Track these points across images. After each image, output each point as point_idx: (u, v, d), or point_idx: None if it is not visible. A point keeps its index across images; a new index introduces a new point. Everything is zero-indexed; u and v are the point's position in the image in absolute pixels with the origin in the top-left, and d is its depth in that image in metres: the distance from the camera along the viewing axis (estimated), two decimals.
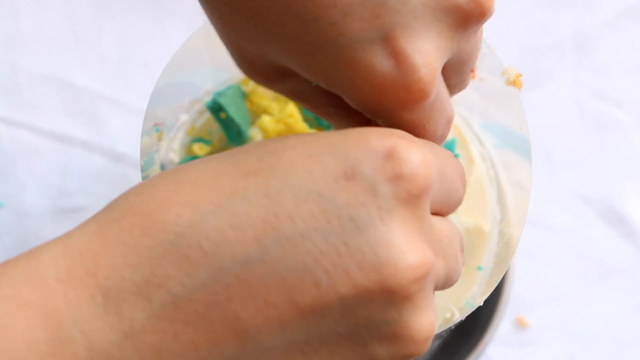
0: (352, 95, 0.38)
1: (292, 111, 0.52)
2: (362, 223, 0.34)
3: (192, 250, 0.34)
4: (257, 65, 0.39)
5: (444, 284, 0.37)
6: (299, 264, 0.34)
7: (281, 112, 0.53)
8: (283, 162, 0.35)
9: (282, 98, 0.54)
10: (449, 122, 0.40)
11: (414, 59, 0.36)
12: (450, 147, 0.52)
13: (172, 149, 0.52)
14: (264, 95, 0.54)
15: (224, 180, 0.35)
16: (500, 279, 0.50)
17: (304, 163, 0.35)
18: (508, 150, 0.52)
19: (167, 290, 0.34)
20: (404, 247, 0.34)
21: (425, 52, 0.37)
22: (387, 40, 0.36)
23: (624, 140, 0.71)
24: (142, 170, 0.51)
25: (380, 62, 0.36)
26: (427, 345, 0.36)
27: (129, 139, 0.70)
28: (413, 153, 0.35)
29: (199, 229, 0.34)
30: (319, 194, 0.34)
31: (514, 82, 0.50)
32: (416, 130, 0.38)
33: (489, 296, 0.49)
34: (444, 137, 0.40)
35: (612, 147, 0.71)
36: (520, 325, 0.68)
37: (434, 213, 0.37)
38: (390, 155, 0.35)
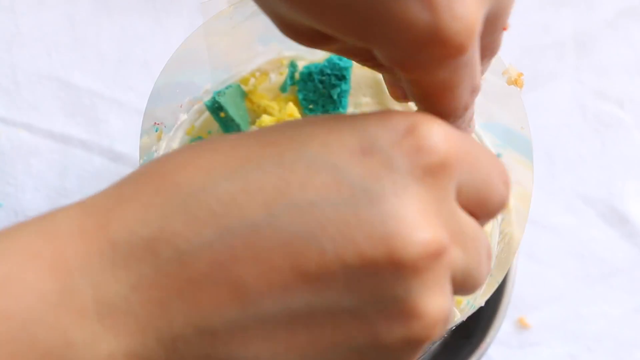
0: (386, 51, 0.36)
1: (292, 111, 0.52)
2: (375, 195, 0.34)
3: (202, 210, 0.34)
4: (299, 31, 0.38)
5: (463, 280, 0.36)
6: (306, 231, 0.34)
7: (281, 112, 0.53)
8: (302, 135, 0.35)
9: (282, 98, 0.54)
10: (474, 91, 0.39)
11: (453, 10, 0.35)
12: None
13: (171, 149, 0.52)
14: (264, 95, 0.54)
15: (242, 149, 0.35)
16: (501, 279, 0.50)
17: (322, 137, 0.35)
18: (509, 150, 0.52)
19: (173, 246, 0.34)
20: (416, 222, 0.34)
21: (464, 1, 0.35)
22: None
23: (626, 140, 0.71)
24: None
25: (416, 13, 0.35)
26: (438, 331, 0.35)
27: (128, 139, 0.70)
28: (434, 128, 0.35)
29: (210, 191, 0.35)
30: (334, 166, 0.34)
31: (515, 82, 0.50)
32: (444, 93, 0.37)
33: (490, 297, 0.49)
34: (466, 107, 0.39)
35: (614, 147, 0.71)
36: (521, 325, 0.68)
37: (468, 212, 0.36)
38: (410, 131, 0.35)
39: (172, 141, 0.52)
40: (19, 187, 0.69)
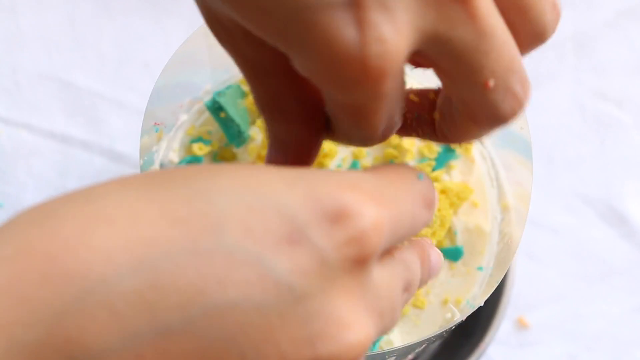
0: (303, 61, 0.34)
1: None
2: (301, 293, 0.31)
3: (102, 311, 0.29)
4: (224, 25, 0.36)
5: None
6: (226, 337, 0.30)
7: None
8: (217, 211, 0.31)
9: None
10: (390, 127, 0.35)
11: (380, 31, 0.32)
12: (450, 147, 0.52)
13: (171, 149, 0.52)
14: None
15: (145, 224, 0.30)
16: (500, 279, 0.50)
17: (242, 217, 0.31)
18: (508, 150, 0.52)
19: (66, 355, 0.29)
20: (344, 320, 0.31)
21: (394, 24, 0.32)
22: (354, 7, 0.32)
23: (625, 140, 0.71)
24: (142, 170, 0.51)
25: (341, 28, 0.32)
26: None
27: (128, 139, 0.70)
28: (365, 214, 0.32)
29: (112, 287, 0.29)
30: (257, 258, 0.30)
31: None
32: (357, 118, 0.35)
33: (490, 296, 0.49)
34: (385, 137, 0.36)
35: (613, 147, 0.71)
36: (520, 325, 0.68)
37: (389, 249, 0.34)
38: (340, 217, 0.31)
39: (172, 141, 0.53)
40: (19, 187, 0.69)
